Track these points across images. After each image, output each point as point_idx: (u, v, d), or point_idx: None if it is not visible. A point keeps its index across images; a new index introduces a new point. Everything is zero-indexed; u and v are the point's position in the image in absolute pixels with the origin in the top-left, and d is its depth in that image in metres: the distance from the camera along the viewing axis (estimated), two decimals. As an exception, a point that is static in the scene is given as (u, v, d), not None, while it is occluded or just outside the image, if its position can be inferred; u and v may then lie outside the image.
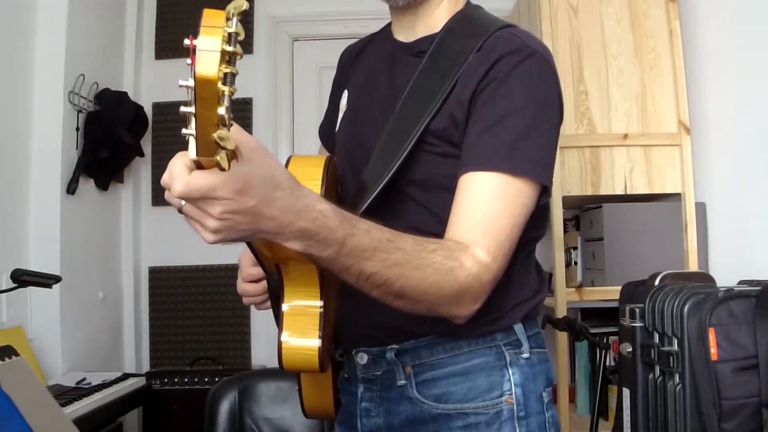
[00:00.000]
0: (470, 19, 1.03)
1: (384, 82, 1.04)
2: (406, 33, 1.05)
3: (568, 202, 2.36)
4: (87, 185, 2.66)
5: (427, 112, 0.94)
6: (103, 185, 2.77)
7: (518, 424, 0.97)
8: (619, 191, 2.26)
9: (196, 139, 0.57)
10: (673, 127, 2.26)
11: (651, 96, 2.27)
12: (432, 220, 0.95)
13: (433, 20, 1.03)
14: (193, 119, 0.54)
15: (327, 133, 1.22)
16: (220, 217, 0.65)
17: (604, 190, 2.27)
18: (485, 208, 0.88)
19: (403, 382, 0.98)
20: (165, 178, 0.65)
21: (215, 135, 0.55)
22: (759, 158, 1.93)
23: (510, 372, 0.98)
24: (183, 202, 0.65)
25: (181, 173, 0.63)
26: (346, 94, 1.13)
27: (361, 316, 0.98)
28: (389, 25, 1.11)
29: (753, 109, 1.96)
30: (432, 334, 0.98)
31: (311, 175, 0.88)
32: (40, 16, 2.42)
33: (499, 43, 0.95)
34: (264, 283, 1.01)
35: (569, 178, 2.28)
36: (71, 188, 2.50)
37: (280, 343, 0.86)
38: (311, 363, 0.88)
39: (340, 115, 1.12)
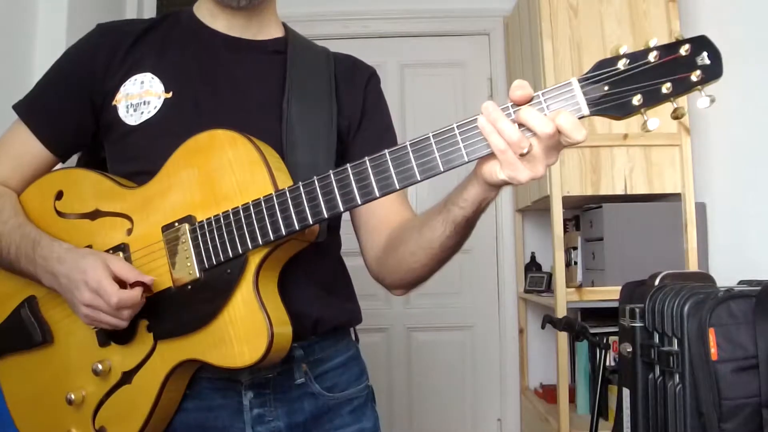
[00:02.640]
0: (298, 33, 1.15)
1: (239, 74, 1.03)
2: (240, 30, 1.06)
3: (568, 202, 2.36)
4: (87, 185, 2.66)
5: (329, 112, 1.03)
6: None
7: (373, 404, 1.11)
8: (619, 191, 2.27)
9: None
10: (673, 127, 2.26)
11: (651, 96, 2.27)
12: None
13: (272, 23, 1.10)
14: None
15: (62, 113, 1.04)
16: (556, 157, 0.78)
17: (604, 190, 2.27)
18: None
19: (302, 380, 0.99)
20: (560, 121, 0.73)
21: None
22: (759, 158, 1.93)
23: (363, 359, 1.12)
24: (533, 146, 0.74)
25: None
26: (150, 76, 1.01)
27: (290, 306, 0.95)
28: (183, 13, 1.09)
29: (753, 109, 1.96)
30: (348, 321, 1.08)
31: (283, 168, 0.91)
32: (40, 16, 2.43)
33: (356, 60, 1.15)
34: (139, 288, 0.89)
35: (569, 178, 2.28)
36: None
37: (271, 328, 0.85)
38: (284, 350, 0.90)
39: (155, 99, 0.99)
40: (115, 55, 1.02)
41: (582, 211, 2.48)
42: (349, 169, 0.81)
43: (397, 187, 0.79)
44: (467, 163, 0.77)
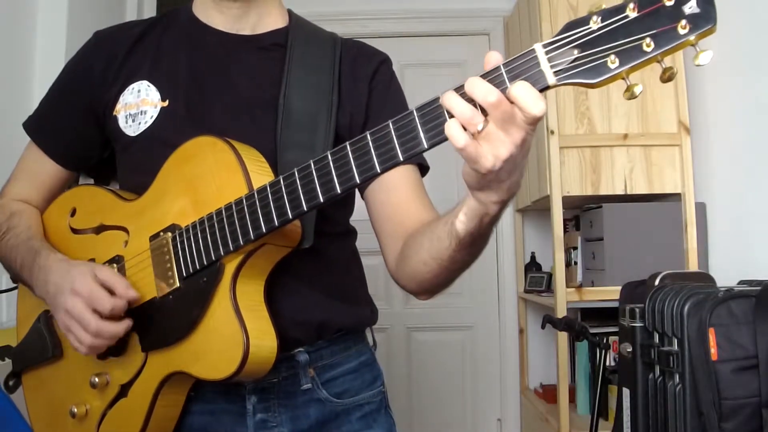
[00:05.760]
0: (305, 21, 1.08)
1: (235, 74, 1.00)
2: (237, 23, 1.02)
3: (568, 202, 2.36)
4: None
5: (328, 108, 0.98)
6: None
7: (387, 409, 1.07)
8: (619, 191, 2.27)
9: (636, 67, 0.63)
10: (673, 127, 2.26)
11: (651, 96, 2.27)
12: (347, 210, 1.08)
13: (273, 13, 1.04)
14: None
15: (66, 128, 1.05)
16: (525, 144, 0.68)
17: (604, 190, 2.27)
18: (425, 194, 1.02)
19: (308, 385, 0.96)
20: (495, 96, 0.65)
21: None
22: (759, 158, 1.93)
23: (378, 365, 1.09)
24: (479, 127, 0.66)
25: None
26: (146, 84, 0.99)
27: (285, 314, 0.92)
28: (181, 11, 1.06)
29: (753, 109, 1.96)
30: (356, 325, 1.04)
31: (265, 170, 0.87)
32: (39, 16, 2.43)
33: (363, 48, 1.07)
34: (128, 322, 0.89)
35: (569, 178, 2.28)
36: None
37: (247, 340, 0.81)
38: (268, 363, 0.85)
39: (151, 108, 0.98)
40: (112, 64, 1.01)
41: (582, 211, 2.48)
42: (312, 165, 0.77)
43: (357, 181, 0.73)
44: (427, 150, 0.71)
